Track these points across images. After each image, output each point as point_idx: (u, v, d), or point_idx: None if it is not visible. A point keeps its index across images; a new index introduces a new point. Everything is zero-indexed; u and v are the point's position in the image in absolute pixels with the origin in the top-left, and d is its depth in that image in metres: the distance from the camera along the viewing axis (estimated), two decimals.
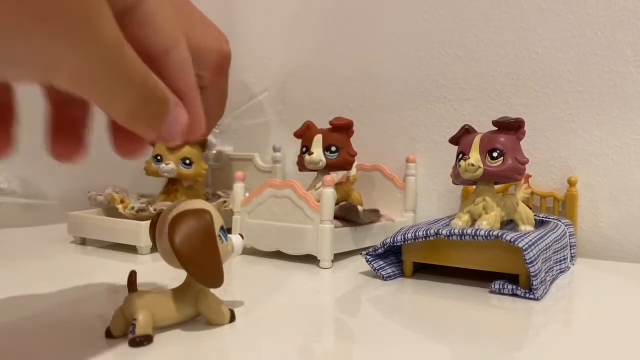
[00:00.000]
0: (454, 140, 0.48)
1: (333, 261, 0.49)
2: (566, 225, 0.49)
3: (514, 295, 0.39)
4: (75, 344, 0.29)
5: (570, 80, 0.57)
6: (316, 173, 0.56)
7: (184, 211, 0.29)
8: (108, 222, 0.55)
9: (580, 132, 0.57)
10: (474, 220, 0.44)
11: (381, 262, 0.45)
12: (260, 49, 0.78)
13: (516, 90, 0.60)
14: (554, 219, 0.51)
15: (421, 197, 0.65)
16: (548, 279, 0.41)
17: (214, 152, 0.77)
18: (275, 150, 0.70)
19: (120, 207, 0.56)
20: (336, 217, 0.50)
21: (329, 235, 0.48)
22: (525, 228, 0.46)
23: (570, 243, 0.49)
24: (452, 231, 0.41)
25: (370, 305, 0.38)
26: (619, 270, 0.50)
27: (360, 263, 0.49)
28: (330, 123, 0.55)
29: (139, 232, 0.52)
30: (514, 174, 0.44)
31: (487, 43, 0.61)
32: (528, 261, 0.38)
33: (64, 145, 0.26)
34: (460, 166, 0.44)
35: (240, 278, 0.44)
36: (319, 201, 0.49)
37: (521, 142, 0.45)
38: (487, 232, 0.40)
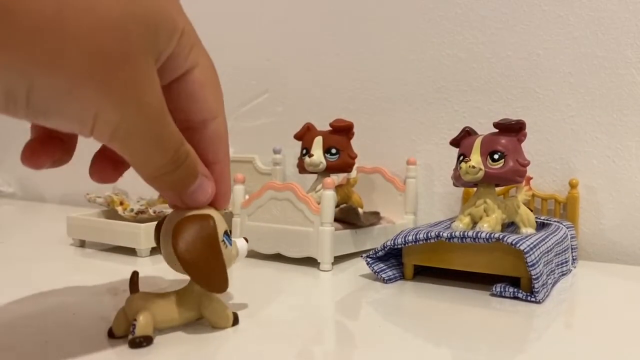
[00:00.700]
0: (455, 142, 0.47)
1: (333, 263, 0.49)
2: (567, 228, 0.49)
3: (515, 298, 0.39)
4: (75, 344, 0.29)
5: (571, 81, 0.57)
6: (316, 175, 0.56)
7: (187, 216, 0.29)
8: (107, 224, 0.55)
9: (582, 134, 0.57)
10: (474, 223, 0.44)
11: (381, 265, 0.45)
12: (260, 50, 0.77)
13: (517, 91, 0.60)
14: (555, 221, 0.51)
15: (421, 199, 0.65)
16: (549, 281, 0.41)
17: None
18: (275, 152, 0.70)
19: (119, 209, 0.56)
20: (336, 220, 0.49)
21: (329, 238, 0.48)
22: (527, 230, 0.45)
23: (571, 245, 0.49)
24: (453, 233, 0.41)
25: (371, 308, 0.38)
26: (620, 273, 0.50)
27: (360, 265, 0.48)
28: (331, 125, 0.55)
29: (138, 234, 0.51)
30: (515, 176, 0.44)
31: (488, 44, 0.61)
32: (529, 264, 0.38)
33: (106, 173, 0.29)
34: (460, 168, 0.44)
35: (241, 281, 0.44)
36: (319, 203, 0.49)
37: (522, 144, 0.45)
38: (488, 235, 0.40)
